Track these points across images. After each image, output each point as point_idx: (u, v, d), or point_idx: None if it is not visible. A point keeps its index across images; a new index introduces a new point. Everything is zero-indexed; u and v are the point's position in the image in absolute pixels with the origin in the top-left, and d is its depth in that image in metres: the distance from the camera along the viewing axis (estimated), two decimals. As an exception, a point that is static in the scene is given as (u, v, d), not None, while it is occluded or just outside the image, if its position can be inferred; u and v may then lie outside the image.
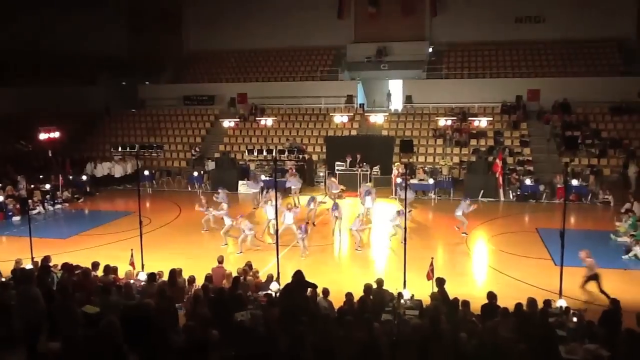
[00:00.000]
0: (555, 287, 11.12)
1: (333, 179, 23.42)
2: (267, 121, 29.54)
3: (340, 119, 28.85)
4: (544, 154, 27.55)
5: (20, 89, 32.07)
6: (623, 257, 15.48)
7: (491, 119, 28.76)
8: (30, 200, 21.31)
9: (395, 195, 23.34)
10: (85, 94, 35.63)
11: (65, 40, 33.90)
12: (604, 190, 22.77)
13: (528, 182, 23.88)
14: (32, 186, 23.19)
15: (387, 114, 30.83)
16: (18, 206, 21.53)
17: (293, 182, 23.28)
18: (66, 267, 11.87)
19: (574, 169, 25.13)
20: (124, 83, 39.18)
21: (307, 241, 16.12)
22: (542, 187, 23.67)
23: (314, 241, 17.16)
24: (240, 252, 16.31)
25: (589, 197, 22.88)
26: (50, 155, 27.23)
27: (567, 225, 11.01)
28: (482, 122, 26.70)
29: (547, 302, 10.09)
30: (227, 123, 29.78)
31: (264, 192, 21.67)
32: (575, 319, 9.54)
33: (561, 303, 10.33)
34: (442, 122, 27.45)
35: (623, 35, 32.94)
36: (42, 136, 25.93)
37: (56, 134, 26.61)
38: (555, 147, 27.70)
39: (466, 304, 9.67)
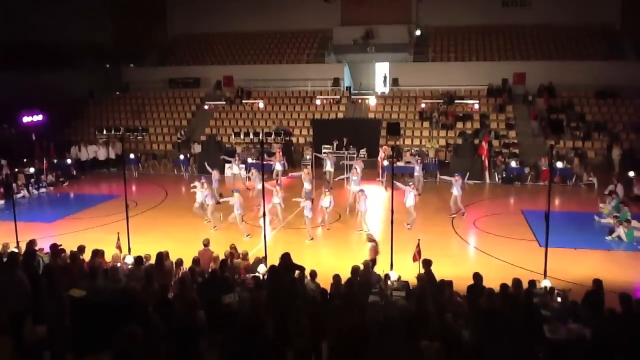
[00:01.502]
0: (539, 268, 11.25)
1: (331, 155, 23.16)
2: (259, 104, 29.42)
3: (319, 101, 28.82)
4: (529, 137, 27.73)
5: (2, 73, 31.52)
6: (607, 238, 15.67)
7: (477, 101, 28.88)
8: (14, 184, 21.09)
9: (383, 177, 23.38)
10: (69, 77, 35.05)
11: (47, 24, 33.32)
12: (588, 173, 23.01)
13: (513, 164, 24.07)
14: (16, 170, 22.95)
15: (373, 96, 30.79)
16: (2, 190, 21.29)
17: (277, 165, 23.03)
18: (54, 249, 11.79)
19: (559, 152, 25.33)
20: (107, 66, 38.65)
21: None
22: (527, 170, 23.86)
23: (302, 224, 17.13)
24: (248, 235, 16.26)
25: (574, 180, 23.11)
26: (34, 138, 26.92)
27: (551, 207, 11.11)
28: (475, 105, 26.88)
29: (532, 283, 10.23)
30: (206, 106, 29.62)
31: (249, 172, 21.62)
32: (559, 299, 9.69)
33: (546, 283, 10.47)
34: (423, 104, 27.61)
35: (607, 21, 33.13)
36: (26, 119, 25.65)
37: (39, 117, 26.33)
38: (541, 130, 27.86)
39: (449, 283, 9.77)
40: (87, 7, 36.57)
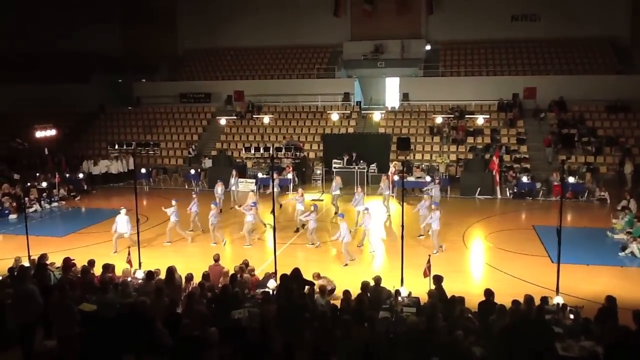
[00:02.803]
0: (552, 284, 11.15)
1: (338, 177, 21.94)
2: (265, 119, 29.53)
3: (336, 116, 28.81)
4: (540, 152, 27.60)
5: (14, 87, 31.90)
6: (620, 254, 15.49)
7: (488, 116, 28.84)
8: (26, 198, 21.26)
9: (393, 192, 23.31)
10: (80, 91, 35.50)
11: (58, 38, 33.79)
12: (600, 188, 22.83)
13: (525, 179, 23.93)
14: (29, 184, 23.14)
15: (384, 111, 30.84)
16: (15, 204, 21.46)
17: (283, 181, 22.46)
18: (66, 263, 11.84)
19: (571, 167, 25.19)
20: (120, 81, 39.07)
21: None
22: (538, 185, 23.72)
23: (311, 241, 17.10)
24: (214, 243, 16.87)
25: (586, 195, 22.93)
26: (46, 153, 27.17)
27: (563, 223, 11.03)
28: (478, 120, 26.87)
29: (544, 299, 10.13)
30: (223, 121, 29.85)
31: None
32: (571, 316, 9.58)
33: (558, 300, 10.37)
34: (439, 119, 27.53)
35: (617, 34, 33.12)
36: (39, 134, 25.91)
37: (52, 132, 26.58)
38: (555, 155, 27.67)
39: (461, 300, 9.68)
40: (98, 21, 37.04)
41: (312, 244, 16.61)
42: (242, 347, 7.78)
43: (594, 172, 24.77)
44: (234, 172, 23.17)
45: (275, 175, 22.11)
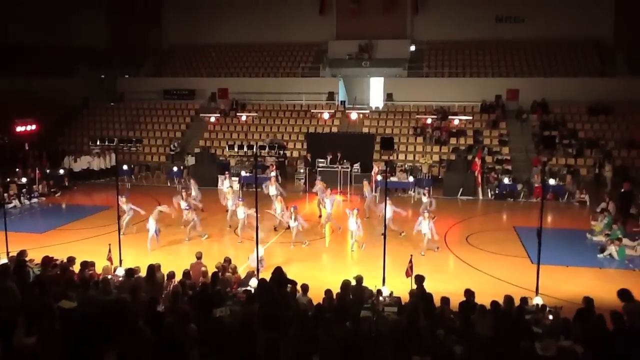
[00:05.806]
0: (531, 285, 11.26)
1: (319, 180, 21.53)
2: (242, 117, 29.53)
3: (327, 115, 28.78)
4: (522, 153, 27.86)
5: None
6: (598, 255, 15.70)
7: (471, 118, 29.03)
8: (5, 194, 20.96)
9: (376, 192, 23.35)
10: (63, 86, 35.04)
11: (41, 31, 33.32)
12: (580, 190, 23.09)
13: (506, 180, 24.12)
14: (8, 179, 22.83)
15: (368, 111, 30.91)
16: (-7, 200, 21.14)
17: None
18: (45, 261, 11.69)
19: (551, 169, 25.45)
20: (102, 76, 38.68)
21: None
22: (520, 186, 23.91)
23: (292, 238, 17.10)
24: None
25: (566, 197, 23.18)
26: (27, 148, 26.82)
27: (544, 224, 11.12)
28: (455, 121, 27.13)
29: (524, 300, 10.23)
30: (213, 119, 29.75)
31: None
32: (551, 317, 9.68)
33: (537, 300, 10.47)
34: (430, 119, 27.75)
35: (600, 37, 33.48)
36: (19, 129, 25.58)
37: (33, 127, 26.26)
38: (533, 146, 28.01)
39: (446, 301, 9.74)
40: (82, 15, 36.60)
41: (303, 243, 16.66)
42: (223, 346, 7.76)
43: (575, 174, 25.02)
44: (226, 174, 22.88)
45: (272, 181, 20.97)
